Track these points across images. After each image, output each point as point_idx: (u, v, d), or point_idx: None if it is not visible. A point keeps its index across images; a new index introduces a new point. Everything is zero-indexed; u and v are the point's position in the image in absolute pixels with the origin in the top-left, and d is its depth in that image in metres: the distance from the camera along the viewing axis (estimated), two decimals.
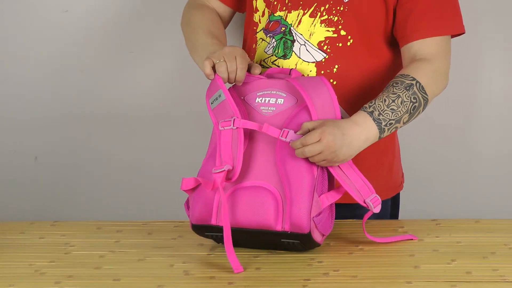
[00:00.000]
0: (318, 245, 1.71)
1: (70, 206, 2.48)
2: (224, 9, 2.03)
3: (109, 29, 2.39)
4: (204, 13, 1.98)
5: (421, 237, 1.77)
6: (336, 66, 1.85)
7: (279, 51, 1.88)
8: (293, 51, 1.88)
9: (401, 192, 2.07)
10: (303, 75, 1.85)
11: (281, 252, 1.71)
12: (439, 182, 2.39)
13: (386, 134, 1.76)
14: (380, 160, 1.95)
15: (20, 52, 2.42)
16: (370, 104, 1.74)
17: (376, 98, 1.75)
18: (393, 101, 1.74)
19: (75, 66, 2.42)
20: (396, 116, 1.74)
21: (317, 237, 1.69)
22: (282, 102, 1.74)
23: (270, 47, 1.90)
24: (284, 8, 1.89)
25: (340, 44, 1.86)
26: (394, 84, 1.77)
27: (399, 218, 2.09)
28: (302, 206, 1.65)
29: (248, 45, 1.96)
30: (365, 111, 1.73)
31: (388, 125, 1.74)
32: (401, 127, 1.78)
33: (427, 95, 1.79)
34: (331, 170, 1.70)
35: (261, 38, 1.92)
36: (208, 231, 1.71)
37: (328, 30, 1.86)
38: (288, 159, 1.69)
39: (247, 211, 1.68)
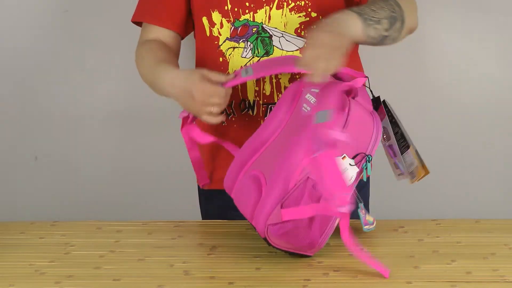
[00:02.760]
0: (303, 255, 1.68)
1: (70, 206, 2.49)
2: (171, 37, 1.96)
3: (109, 29, 2.39)
4: (148, 45, 1.94)
5: (421, 237, 1.77)
6: None
7: (260, 51, 1.89)
8: (273, 45, 1.88)
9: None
10: None
11: (281, 252, 1.71)
12: (439, 182, 2.39)
13: (370, 31, 1.74)
14: None
15: (20, 51, 2.43)
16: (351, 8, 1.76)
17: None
18: (372, 4, 1.77)
19: (75, 66, 2.42)
20: (375, 14, 1.74)
21: (281, 245, 1.65)
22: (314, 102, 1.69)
23: (247, 51, 1.89)
24: (247, 11, 1.89)
25: (314, 26, 1.87)
26: None
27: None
28: (263, 209, 1.62)
29: (211, 63, 1.91)
30: (347, 9, 1.75)
31: (369, 20, 1.73)
32: (381, 35, 1.77)
33: (402, 13, 1.79)
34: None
35: (230, 47, 1.90)
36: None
37: (300, 16, 1.88)
38: (280, 156, 1.64)
39: (242, 197, 1.70)
